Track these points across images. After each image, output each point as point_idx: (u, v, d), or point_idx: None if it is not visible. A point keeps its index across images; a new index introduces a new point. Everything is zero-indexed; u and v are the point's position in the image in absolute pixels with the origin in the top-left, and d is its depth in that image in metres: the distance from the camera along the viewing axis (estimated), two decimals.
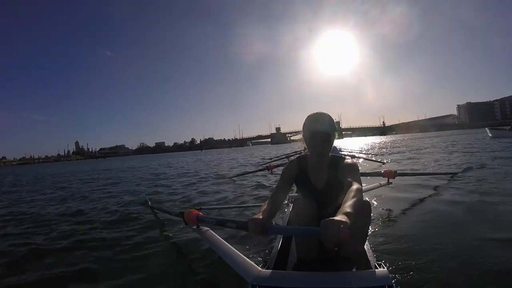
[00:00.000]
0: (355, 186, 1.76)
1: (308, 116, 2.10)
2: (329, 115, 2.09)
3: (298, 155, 3.16)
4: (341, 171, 2.02)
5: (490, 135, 26.24)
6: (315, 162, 2.15)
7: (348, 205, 1.55)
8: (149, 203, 5.77)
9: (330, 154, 2.13)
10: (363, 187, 1.92)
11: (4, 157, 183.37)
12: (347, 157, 2.26)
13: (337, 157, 2.15)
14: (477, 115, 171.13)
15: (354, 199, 1.61)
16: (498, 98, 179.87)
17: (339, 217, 1.40)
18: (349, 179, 1.85)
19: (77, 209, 6.17)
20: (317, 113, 2.08)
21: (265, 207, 1.95)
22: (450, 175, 6.56)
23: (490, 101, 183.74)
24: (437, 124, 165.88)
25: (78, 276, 2.93)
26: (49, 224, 5.02)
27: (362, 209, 1.77)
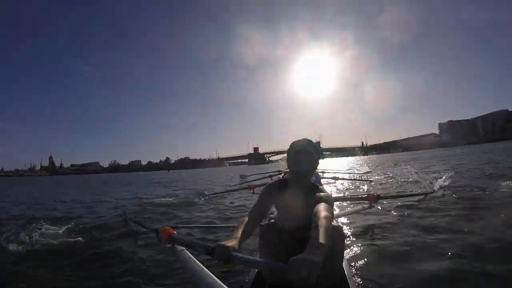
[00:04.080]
0: (323, 213, 1.84)
1: (294, 141, 2.34)
2: (312, 141, 2.33)
3: (279, 177, 3.36)
4: (315, 200, 2.08)
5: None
6: (295, 185, 2.30)
7: (320, 235, 1.59)
8: (128, 216, 6.01)
9: (311, 179, 2.32)
10: (346, 210, 2.12)
11: None
12: (326, 184, 2.46)
13: (316, 186, 2.28)
14: (459, 133, 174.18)
15: (324, 228, 1.66)
16: (480, 115, 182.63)
17: (310, 256, 1.42)
18: (319, 207, 1.93)
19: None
20: (303, 138, 2.33)
21: (238, 230, 2.05)
22: (425, 195, 6.96)
23: (472, 118, 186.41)
24: (418, 143, 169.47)
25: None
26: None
27: (335, 234, 1.93)
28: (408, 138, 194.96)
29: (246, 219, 2.19)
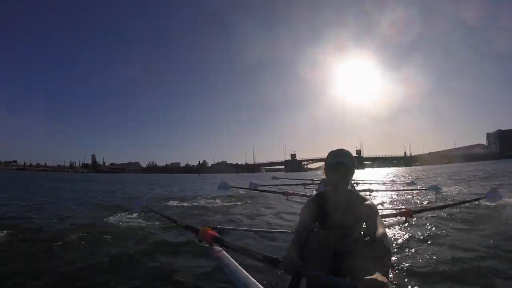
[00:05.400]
0: (380, 230, 1.90)
1: (332, 150, 2.45)
2: (350, 152, 2.43)
3: (315, 191, 3.46)
4: (361, 211, 2.21)
5: None
6: (332, 195, 2.39)
7: (385, 257, 1.67)
8: (168, 214, 6.16)
9: (348, 187, 2.43)
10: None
11: (14, 161, 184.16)
12: (366, 196, 2.58)
13: (356, 194, 2.41)
14: (509, 144, 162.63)
15: (387, 244, 1.73)
16: None
17: (383, 278, 1.47)
18: (372, 223, 2.01)
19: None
20: (340, 148, 2.44)
21: (295, 244, 2.11)
22: (464, 203, 6.70)
23: None
24: (464, 154, 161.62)
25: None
26: None
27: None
28: (455, 149, 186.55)
29: (295, 239, 2.24)
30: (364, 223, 2.21)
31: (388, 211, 6.24)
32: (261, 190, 11.09)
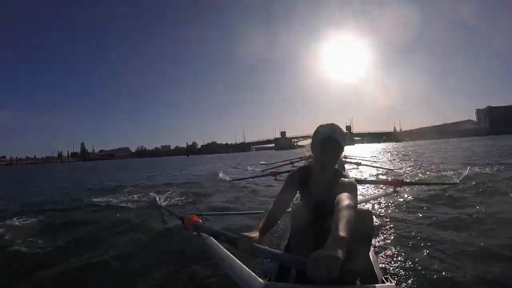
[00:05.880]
0: (345, 202, 1.77)
1: (321, 124, 2.20)
2: (340, 127, 2.19)
3: (303, 163, 3.33)
4: (338, 188, 2.01)
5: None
6: (318, 173, 2.22)
7: (341, 227, 1.54)
8: (158, 203, 6.31)
9: (335, 166, 2.22)
10: (370, 195, 2.06)
11: (3, 156, 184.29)
12: (349, 171, 2.39)
13: (339, 173, 2.21)
14: (498, 120, 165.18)
15: (345, 219, 1.60)
16: None
17: (331, 252, 1.37)
18: (341, 196, 1.86)
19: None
20: (330, 123, 2.18)
21: (262, 220, 2.05)
22: (451, 184, 6.72)
23: None
24: (453, 130, 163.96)
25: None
26: None
27: (363, 218, 1.97)
28: (444, 125, 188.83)
29: (270, 207, 2.17)
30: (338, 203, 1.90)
31: (377, 180, 6.21)
32: (250, 177, 11.05)
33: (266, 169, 14.75)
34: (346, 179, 2.12)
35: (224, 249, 2.33)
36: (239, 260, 2.09)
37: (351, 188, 2.01)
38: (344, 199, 1.82)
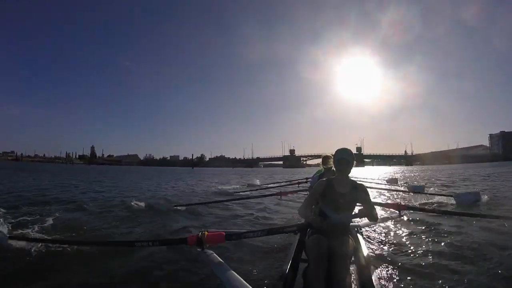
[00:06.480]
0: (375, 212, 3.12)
1: (338, 149, 3.25)
2: (351, 150, 3.27)
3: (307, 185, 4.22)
4: (359, 190, 3.13)
5: None
6: (341, 180, 3.17)
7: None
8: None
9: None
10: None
11: (12, 152, 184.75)
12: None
13: (356, 183, 3.23)
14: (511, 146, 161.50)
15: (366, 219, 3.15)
16: None
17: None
18: (368, 204, 3.08)
19: None
20: (344, 147, 3.27)
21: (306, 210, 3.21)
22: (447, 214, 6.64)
23: None
24: (466, 155, 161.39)
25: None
26: None
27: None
28: (456, 149, 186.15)
29: (299, 214, 3.32)
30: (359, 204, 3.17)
31: (382, 201, 6.32)
32: (256, 196, 10.71)
33: (273, 187, 14.99)
34: (364, 191, 3.17)
35: (227, 266, 2.47)
36: (242, 277, 2.24)
37: (368, 193, 3.18)
38: (374, 208, 3.17)
